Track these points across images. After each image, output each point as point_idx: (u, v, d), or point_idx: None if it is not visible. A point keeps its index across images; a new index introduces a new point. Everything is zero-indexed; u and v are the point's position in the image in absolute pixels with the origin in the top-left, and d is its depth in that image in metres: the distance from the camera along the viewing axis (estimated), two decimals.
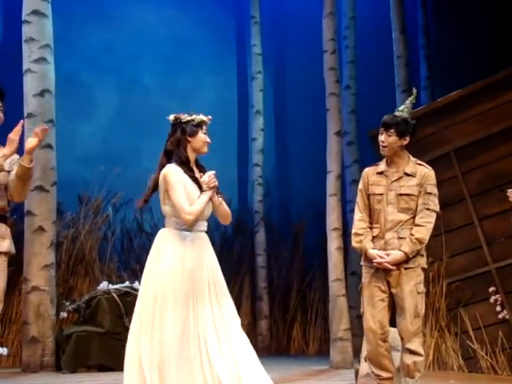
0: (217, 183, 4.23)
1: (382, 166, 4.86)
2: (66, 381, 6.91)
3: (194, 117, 4.27)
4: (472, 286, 8.07)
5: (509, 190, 5.21)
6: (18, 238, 8.18)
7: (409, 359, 4.69)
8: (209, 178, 4.19)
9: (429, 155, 8.46)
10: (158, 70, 10.56)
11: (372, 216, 4.81)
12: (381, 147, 4.80)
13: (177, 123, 4.28)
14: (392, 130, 4.74)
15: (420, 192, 4.73)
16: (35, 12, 8.17)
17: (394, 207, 4.72)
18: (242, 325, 11.03)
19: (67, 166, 8.86)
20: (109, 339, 7.85)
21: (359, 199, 4.88)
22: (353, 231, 4.88)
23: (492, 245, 7.92)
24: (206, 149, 4.31)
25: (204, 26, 11.00)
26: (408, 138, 4.79)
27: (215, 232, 10.16)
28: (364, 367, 5.93)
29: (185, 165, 4.21)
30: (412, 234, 4.66)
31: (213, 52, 11.06)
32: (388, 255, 4.65)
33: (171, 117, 4.33)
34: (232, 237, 10.70)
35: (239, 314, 11.57)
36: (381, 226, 4.75)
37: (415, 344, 4.69)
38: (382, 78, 10.60)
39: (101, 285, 8.34)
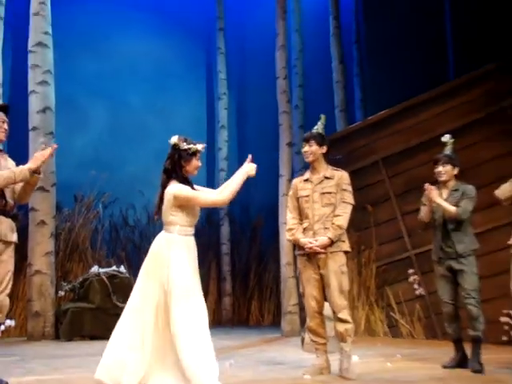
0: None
1: (306, 174, 5.03)
2: (64, 347, 6.88)
3: (190, 146, 4.14)
4: (395, 268, 8.17)
5: (426, 185, 5.28)
6: (23, 230, 8.19)
7: (341, 327, 4.78)
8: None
9: (361, 163, 8.60)
10: (141, 92, 10.50)
11: (301, 214, 4.93)
12: (306, 156, 4.96)
13: (176, 149, 4.14)
14: (312, 141, 4.91)
15: (338, 190, 4.88)
16: (39, 44, 8.16)
17: (319, 204, 4.86)
18: (210, 302, 11.05)
19: (65, 171, 8.80)
20: (99, 313, 7.82)
21: (289, 203, 5.02)
22: (286, 228, 5.02)
23: (412, 235, 8.01)
24: (196, 172, 4.23)
25: (179, 56, 10.97)
26: (325, 148, 4.96)
27: None
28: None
29: (184, 182, 4.13)
30: (333, 223, 4.79)
31: (187, 77, 11.04)
32: (316, 241, 4.77)
33: (172, 140, 4.15)
34: (201, 229, 10.71)
35: (207, 294, 11.62)
36: (310, 220, 4.86)
37: (344, 314, 4.79)
38: (324, 99, 10.69)
39: (92, 269, 8.29)
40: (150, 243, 10.82)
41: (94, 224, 9.54)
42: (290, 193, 5.05)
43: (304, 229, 4.90)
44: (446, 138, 5.48)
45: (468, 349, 5.24)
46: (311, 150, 4.92)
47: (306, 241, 4.81)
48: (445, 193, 5.30)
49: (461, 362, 5.24)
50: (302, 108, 10.57)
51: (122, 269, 8.43)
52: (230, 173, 12.01)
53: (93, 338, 7.67)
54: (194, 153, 4.17)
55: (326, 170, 4.96)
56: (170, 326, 3.87)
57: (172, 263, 3.99)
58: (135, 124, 10.27)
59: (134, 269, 9.23)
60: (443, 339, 7.27)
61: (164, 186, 4.14)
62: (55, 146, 4.37)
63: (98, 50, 10.20)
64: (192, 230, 4.17)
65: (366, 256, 8.43)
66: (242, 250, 10.90)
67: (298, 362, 5.57)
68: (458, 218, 5.16)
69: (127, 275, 8.31)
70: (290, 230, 4.96)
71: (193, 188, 4.14)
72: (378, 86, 10.81)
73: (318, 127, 5.05)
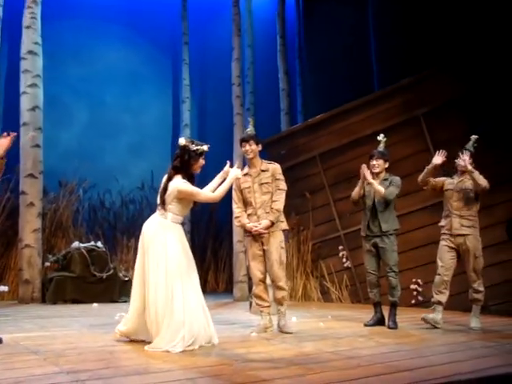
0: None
1: (245, 170, 5.03)
2: (49, 310, 6.77)
3: (198, 147, 4.12)
4: (328, 245, 8.28)
5: (363, 166, 5.35)
6: (15, 210, 8.04)
7: (279, 294, 4.91)
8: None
9: (302, 157, 8.66)
10: (117, 93, 10.35)
11: (246, 203, 4.97)
12: (247, 154, 4.97)
13: (186, 149, 4.10)
14: (252, 141, 4.94)
15: (273, 180, 4.93)
16: (30, 52, 7.97)
17: (259, 193, 4.91)
18: None
19: (51, 160, 8.64)
20: (79, 281, 7.77)
21: (234, 196, 5.02)
22: (234, 216, 5.06)
23: (341, 218, 8.13)
24: (200, 170, 4.23)
25: (150, 63, 10.84)
26: (261, 146, 5.01)
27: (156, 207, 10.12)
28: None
29: (191, 179, 4.13)
30: (272, 207, 4.86)
31: (156, 83, 10.91)
32: (260, 224, 4.83)
33: (182, 142, 4.10)
34: None
35: None
36: (253, 207, 4.90)
37: (282, 282, 4.89)
38: (272, 104, 10.75)
39: (74, 244, 8.20)
40: (122, 222, 10.73)
41: (76, 206, 9.39)
42: (234, 186, 5.01)
43: (248, 214, 4.93)
44: (381, 136, 5.58)
45: (385, 311, 5.38)
46: (251, 148, 4.94)
47: (252, 225, 4.87)
48: (376, 182, 5.39)
49: (379, 321, 5.38)
50: (252, 111, 10.59)
51: (99, 244, 8.37)
52: None
53: (74, 301, 7.61)
54: (202, 153, 4.14)
55: (261, 164, 5.00)
56: (165, 299, 3.87)
57: (169, 245, 3.98)
58: (111, 121, 10.14)
59: (109, 244, 9.20)
60: (365, 303, 7.44)
61: (170, 179, 4.09)
62: (15, 133, 4.07)
63: (81, 57, 10.01)
64: (182, 220, 4.15)
65: (304, 235, 8.53)
66: (201, 230, 10.83)
67: (247, 322, 5.62)
68: (385, 197, 5.25)
69: (103, 249, 8.26)
70: (237, 217, 4.99)
71: (194, 184, 4.11)
72: (316, 94, 10.90)
73: (251, 129, 5.06)
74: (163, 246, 3.97)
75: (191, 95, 11.01)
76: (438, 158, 5.31)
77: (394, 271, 5.27)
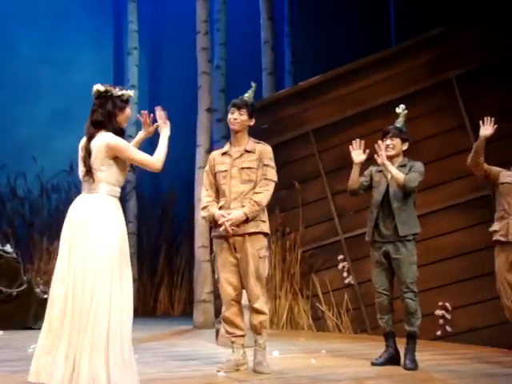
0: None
1: (225, 147, 5.07)
2: None
3: (124, 92, 4.12)
4: (323, 254, 8.29)
5: (378, 142, 5.33)
6: None
7: (256, 320, 4.89)
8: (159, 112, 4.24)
9: (290, 134, 8.65)
10: (36, 40, 10.22)
11: (219, 192, 4.98)
12: (232, 124, 4.97)
13: (107, 96, 4.04)
14: (244, 110, 4.96)
15: (259, 165, 4.93)
16: None
17: (237, 180, 4.90)
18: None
19: None
20: None
21: (205, 179, 5.07)
22: (201, 206, 5.06)
23: (342, 217, 8.15)
24: (126, 124, 4.20)
25: (83, 1, 10.73)
26: (253, 121, 5.05)
27: None
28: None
29: (120, 135, 4.06)
30: (251, 198, 4.84)
31: (91, 26, 10.80)
32: (229, 214, 4.80)
33: (100, 88, 4.05)
34: None
35: None
36: (226, 197, 4.91)
37: (260, 304, 4.86)
38: (250, 61, 10.68)
39: None
40: (42, 218, 10.68)
41: None
42: (207, 168, 5.08)
43: (220, 207, 4.93)
44: (400, 108, 5.61)
45: (400, 344, 5.37)
46: (241, 118, 4.95)
47: (220, 213, 4.83)
48: None
49: (392, 358, 5.37)
50: (224, 69, 10.47)
51: (8, 248, 8.23)
52: None
53: None
54: (128, 99, 4.16)
55: (247, 142, 5.01)
56: (85, 303, 3.77)
57: (98, 228, 3.86)
58: (27, 78, 9.98)
59: (23, 248, 9.05)
60: (373, 334, 7.45)
61: (91, 139, 4.01)
62: None
63: None
64: (120, 192, 4.08)
65: (292, 239, 8.52)
66: (151, 230, 10.83)
67: (212, 356, 5.60)
68: (405, 185, 5.24)
69: (14, 255, 8.12)
70: (204, 208, 5.00)
71: None
72: (310, 47, 10.88)
73: (250, 96, 5.09)
74: (90, 229, 3.88)
75: (140, 45, 10.89)
76: (488, 128, 5.36)
77: (413, 291, 5.27)
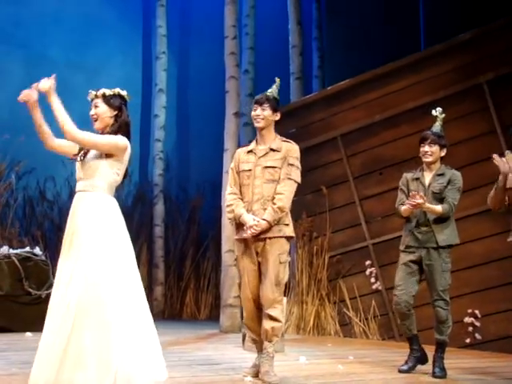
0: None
1: (251, 145, 4.91)
2: None
3: (125, 93, 4.28)
4: (351, 259, 8.26)
5: (495, 156, 4.87)
6: None
7: (268, 325, 4.69)
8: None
9: (317, 139, 8.64)
10: (65, 45, 10.28)
11: (242, 192, 4.82)
12: (256, 121, 4.80)
13: (122, 98, 4.25)
14: (266, 105, 4.78)
15: (283, 165, 4.76)
16: None
17: (261, 180, 4.73)
18: None
19: None
20: (7, 302, 7.68)
21: (230, 177, 4.92)
22: (225, 204, 4.91)
23: (370, 223, 8.10)
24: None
25: (112, 5, 10.79)
26: (279, 115, 4.86)
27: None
28: None
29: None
30: (274, 203, 4.66)
31: (120, 31, 10.85)
32: (257, 221, 4.64)
33: (119, 91, 4.24)
34: (132, 207, 10.62)
35: None
36: (248, 199, 4.75)
37: (276, 311, 4.70)
38: (278, 65, 10.63)
39: (1, 249, 8.10)
40: None
41: (5, 197, 9.37)
42: (232, 165, 4.94)
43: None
44: (437, 111, 5.46)
45: (429, 351, 5.32)
46: (263, 114, 4.78)
47: (251, 218, 4.67)
48: (428, 176, 5.35)
49: (418, 361, 5.33)
50: (252, 73, 10.46)
51: (37, 250, 8.29)
52: (168, 144, 12.03)
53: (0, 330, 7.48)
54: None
55: (273, 140, 4.84)
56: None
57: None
58: (58, 82, 10.01)
59: (52, 251, 9.11)
60: (401, 340, 7.38)
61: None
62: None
63: None
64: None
65: (319, 244, 8.48)
66: (178, 234, 10.82)
67: (239, 361, 5.57)
68: (447, 215, 5.20)
69: (43, 258, 8.18)
70: (229, 206, 4.82)
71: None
72: (338, 52, 10.85)
73: (273, 91, 4.94)
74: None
75: (168, 49, 10.93)
76: (504, 164, 4.84)
77: (444, 299, 5.22)
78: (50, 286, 7.90)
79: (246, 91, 10.19)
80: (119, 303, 3.88)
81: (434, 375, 5.14)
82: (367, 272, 8.09)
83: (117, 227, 4.03)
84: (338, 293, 8.32)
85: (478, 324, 7.06)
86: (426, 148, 5.33)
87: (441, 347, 5.25)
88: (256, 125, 4.85)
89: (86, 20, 10.49)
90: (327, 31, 11.15)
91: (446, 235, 5.25)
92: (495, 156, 4.93)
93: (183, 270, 10.75)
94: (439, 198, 5.26)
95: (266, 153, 4.78)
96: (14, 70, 9.92)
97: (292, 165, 4.78)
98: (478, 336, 7.05)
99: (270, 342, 4.73)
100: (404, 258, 5.34)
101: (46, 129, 4.10)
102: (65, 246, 4.03)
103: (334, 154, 8.49)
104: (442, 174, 5.33)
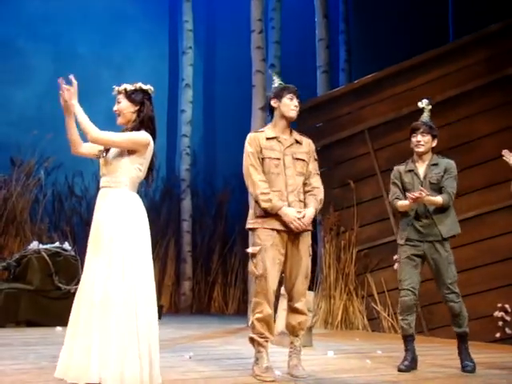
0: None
1: (270, 132, 4.70)
2: None
3: (148, 87, 4.29)
4: (378, 253, 8.25)
5: (505, 152, 5.07)
6: None
7: (295, 320, 4.64)
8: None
9: (345, 132, 8.64)
10: (93, 40, 10.38)
11: (269, 180, 4.58)
12: (294, 110, 4.67)
13: (144, 92, 4.24)
14: (295, 96, 4.71)
15: (309, 159, 4.70)
16: None
17: (293, 171, 4.61)
18: (167, 285, 10.99)
19: (0, 129, 8.69)
20: (37, 296, 7.74)
21: (254, 161, 4.60)
22: (258, 191, 4.52)
23: (397, 217, 8.10)
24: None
25: (138, 1, 10.86)
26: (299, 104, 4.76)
27: (144, 198, 10.13)
28: (279, 326, 6.02)
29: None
30: (315, 194, 4.63)
31: (146, 26, 10.93)
32: (300, 213, 4.52)
33: (141, 85, 4.25)
34: (160, 202, 10.69)
35: (164, 276, 11.48)
36: (281, 189, 4.56)
37: (302, 303, 4.64)
38: (305, 59, 10.65)
39: (31, 244, 8.18)
40: None
41: (35, 193, 9.47)
42: (251, 149, 4.64)
43: None
44: (423, 103, 5.41)
45: (447, 345, 5.29)
46: (295, 103, 4.69)
47: (293, 211, 4.51)
48: (421, 166, 5.26)
49: (415, 361, 5.19)
50: (278, 67, 10.46)
51: (67, 245, 8.35)
52: (195, 139, 12.07)
53: (30, 324, 7.57)
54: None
55: (292, 132, 4.74)
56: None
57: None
58: (85, 77, 9.89)
59: (80, 245, 9.17)
60: (430, 335, 7.36)
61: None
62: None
63: None
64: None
65: (346, 239, 8.49)
66: (206, 228, 10.89)
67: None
68: (447, 205, 5.15)
69: (72, 253, 8.25)
70: (265, 194, 4.50)
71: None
72: (365, 45, 10.80)
73: (279, 82, 4.90)
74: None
75: (195, 44, 10.96)
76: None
77: (454, 292, 5.14)
78: (80, 281, 8.01)
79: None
80: (136, 300, 3.90)
81: (463, 369, 5.09)
82: (395, 266, 8.00)
83: (139, 223, 4.04)
84: (366, 287, 8.32)
85: (508, 318, 7.02)
86: (418, 138, 5.24)
87: (463, 340, 5.18)
88: (293, 115, 4.67)
89: (113, 16, 10.57)
90: (354, 24, 11.10)
91: (449, 226, 5.17)
92: (505, 152, 4.95)
93: (210, 264, 10.80)
94: (437, 188, 5.18)
95: (292, 143, 4.68)
96: (42, 65, 10.02)
97: (316, 160, 4.79)
98: (508, 330, 7.00)
99: (297, 336, 4.69)
100: (407, 251, 5.20)
101: (76, 137, 4.17)
102: (90, 241, 4.08)
103: (361, 148, 8.50)
104: (435, 164, 5.24)
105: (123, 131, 4.19)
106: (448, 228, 5.18)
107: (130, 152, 4.08)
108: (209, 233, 10.91)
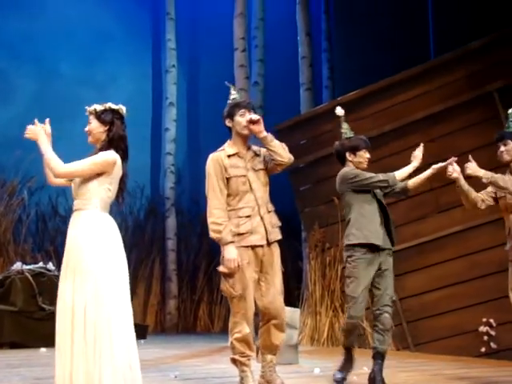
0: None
1: (230, 149, 4.61)
2: None
3: (118, 107, 4.24)
4: None
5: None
6: None
7: (278, 338, 4.58)
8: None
9: (329, 149, 8.57)
10: (75, 60, 10.38)
11: (235, 199, 4.48)
12: (245, 128, 4.60)
13: (114, 112, 4.20)
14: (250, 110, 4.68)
15: (265, 161, 4.60)
16: None
17: (259, 184, 4.54)
18: (152, 304, 10.92)
19: None
20: (21, 317, 7.73)
21: (214, 184, 4.45)
22: (210, 220, 4.42)
23: None
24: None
25: (121, 20, 10.88)
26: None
27: (129, 216, 10.14)
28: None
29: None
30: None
31: (129, 45, 10.95)
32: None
33: (111, 105, 4.20)
34: (144, 221, 10.67)
35: (149, 295, 11.42)
36: (253, 205, 4.46)
37: (282, 319, 4.57)
38: (288, 77, 10.69)
39: (14, 265, 8.17)
40: None
41: (18, 213, 9.44)
42: (211, 171, 4.49)
43: (246, 216, 4.45)
44: (337, 110, 5.41)
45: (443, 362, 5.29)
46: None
47: (234, 257, 4.36)
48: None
49: (351, 368, 5.20)
50: (262, 86, 10.54)
51: (51, 266, 8.34)
52: (179, 157, 12.07)
53: (13, 345, 7.55)
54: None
55: (250, 146, 4.69)
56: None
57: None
58: (67, 97, 10.13)
59: None
60: (416, 350, 7.35)
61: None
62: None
63: (25, 6, 10.02)
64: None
65: (331, 255, 8.48)
66: (191, 246, 10.88)
67: (255, 374, 5.53)
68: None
69: (56, 273, 8.19)
70: (216, 224, 4.39)
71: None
72: (348, 62, 10.86)
73: (239, 95, 4.91)
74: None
75: (178, 63, 10.99)
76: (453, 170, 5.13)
77: (392, 306, 5.12)
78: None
79: (256, 103, 10.21)
80: (113, 319, 3.88)
81: None
82: None
83: (111, 243, 4.01)
84: None
85: (493, 333, 7.00)
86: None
87: (383, 358, 5.08)
88: (246, 133, 4.61)
89: (96, 35, 10.58)
90: (336, 42, 11.17)
91: (396, 235, 5.27)
92: (451, 160, 5.21)
93: (196, 282, 10.76)
94: None
95: (252, 157, 4.61)
96: (25, 85, 10.02)
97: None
98: (493, 345, 6.99)
99: (275, 354, 4.63)
100: (367, 260, 5.09)
101: (48, 171, 4.20)
102: (63, 264, 4.05)
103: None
104: None
105: (94, 151, 4.18)
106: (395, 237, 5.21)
107: (99, 174, 4.07)
108: (194, 251, 10.89)
